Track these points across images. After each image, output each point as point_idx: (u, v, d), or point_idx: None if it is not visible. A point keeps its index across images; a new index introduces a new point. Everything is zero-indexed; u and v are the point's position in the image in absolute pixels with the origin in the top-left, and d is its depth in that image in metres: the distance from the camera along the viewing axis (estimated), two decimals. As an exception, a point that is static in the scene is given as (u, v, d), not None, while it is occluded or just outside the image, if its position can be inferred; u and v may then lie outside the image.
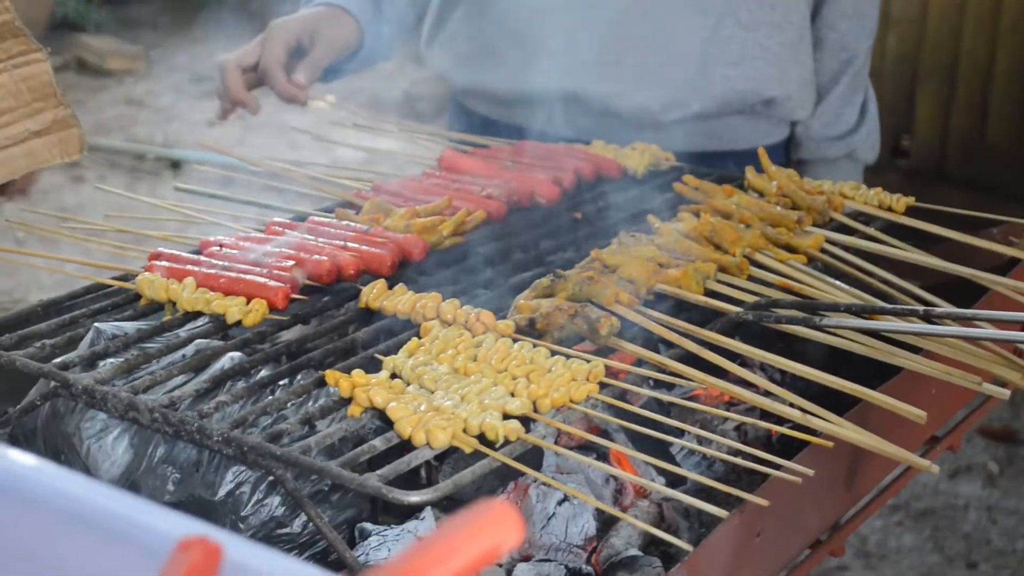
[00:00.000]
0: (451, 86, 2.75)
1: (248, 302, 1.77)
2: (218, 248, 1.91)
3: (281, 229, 2.01)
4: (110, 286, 1.90)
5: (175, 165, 7.44)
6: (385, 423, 1.52)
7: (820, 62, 2.71)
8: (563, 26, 2.55)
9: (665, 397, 1.72)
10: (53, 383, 1.63)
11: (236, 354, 1.70)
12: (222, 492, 1.58)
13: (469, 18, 2.64)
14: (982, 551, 4.12)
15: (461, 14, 2.65)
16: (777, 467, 1.49)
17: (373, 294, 1.80)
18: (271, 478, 1.57)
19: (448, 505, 1.64)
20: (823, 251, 2.06)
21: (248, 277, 1.80)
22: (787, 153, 2.76)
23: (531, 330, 1.73)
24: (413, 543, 0.66)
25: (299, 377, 1.66)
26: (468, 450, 1.45)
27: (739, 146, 2.49)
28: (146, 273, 1.84)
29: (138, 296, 1.84)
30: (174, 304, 1.80)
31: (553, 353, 1.64)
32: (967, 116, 5.69)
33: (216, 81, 2.46)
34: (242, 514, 1.57)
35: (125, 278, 1.90)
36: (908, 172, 5.73)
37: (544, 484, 1.63)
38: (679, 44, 2.52)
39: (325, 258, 1.86)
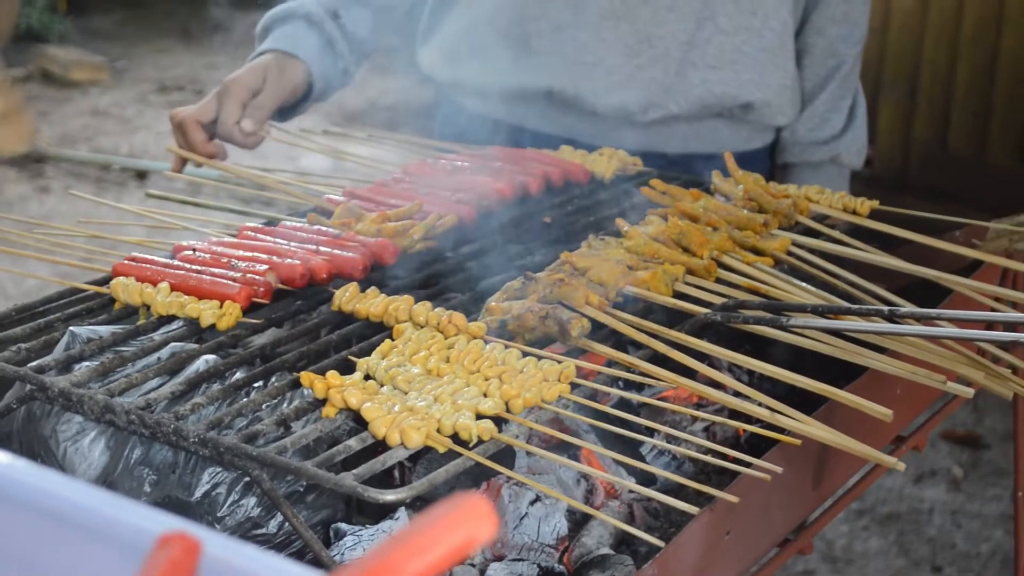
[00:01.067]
0: (441, 83, 2.78)
1: (221, 306, 1.78)
2: (191, 252, 1.91)
3: (253, 234, 2.02)
4: (84, 291, 1.90)
5: (141, 175, 7.42)
6: (359, 424, 1.53)
7: (808, 68, 2.72)
8: (546, 26, 2.58)
9: (635, 397, 1.74)
10: (29, 386, 1.63)
11: (211, 357, 1.71)
12: (198, 493, 1.59)
13: (461, 18, 2.68)
14: (947, 555, 4.16)
15: (454, 15, 2.69)
16: (747, 465, 1.51)
17: (346, 297, 1.81)
18: (247, 479, 1.58)
19: (422, 506, 1.66)
20: (789, 254, 2.08)
21: (221, 281, 1.81)
22: (772, 158, 2.79)
23: (503, 332, 1.75)
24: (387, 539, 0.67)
25: (273, 379, 1.67)
26: (442, 450, 1.47)
27: (722, 149, 2.51)
28: (120, 277, 1.84)
29: (112, 300, 1.84)
30: (148, 308, 1.81)
31: (525, 354, 1.66)
32: (929, 126, 5.74)
33: (176, 136, 2.48)
34: (218, 515, 1.58)
35: (99, 283, 1.91)
36: (871, 181, 5.76)
37: (517, 484, 1.65)
38: (658, 47, 2.56)
39: (297, 262, 1.87)
